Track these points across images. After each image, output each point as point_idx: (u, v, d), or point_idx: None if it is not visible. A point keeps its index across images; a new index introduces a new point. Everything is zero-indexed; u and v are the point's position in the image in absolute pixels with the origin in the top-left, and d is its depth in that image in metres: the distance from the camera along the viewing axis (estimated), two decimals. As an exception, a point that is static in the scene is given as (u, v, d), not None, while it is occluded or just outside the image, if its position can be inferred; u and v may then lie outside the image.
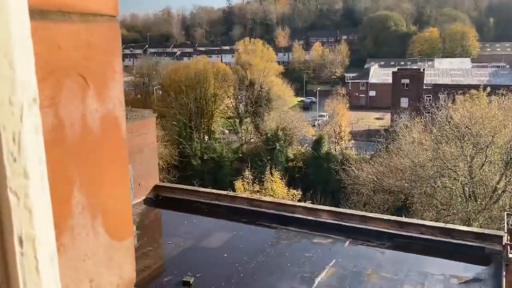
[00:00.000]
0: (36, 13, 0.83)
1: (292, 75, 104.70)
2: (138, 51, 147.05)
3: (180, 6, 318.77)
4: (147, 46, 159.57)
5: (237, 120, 63.94)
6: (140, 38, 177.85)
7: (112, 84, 1.05)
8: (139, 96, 70.82)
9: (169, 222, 22.02)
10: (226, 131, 65.95)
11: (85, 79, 0.96)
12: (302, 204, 23.73)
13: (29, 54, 0.75)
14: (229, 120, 65.77)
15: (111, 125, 1.05)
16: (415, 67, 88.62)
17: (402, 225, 18.80)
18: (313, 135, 55.66)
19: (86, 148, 0.97)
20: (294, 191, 38.51)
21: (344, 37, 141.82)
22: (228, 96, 65.60)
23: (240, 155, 53.10)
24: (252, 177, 38.77)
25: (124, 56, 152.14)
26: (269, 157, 46.97)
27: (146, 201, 22.84)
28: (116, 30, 1.05)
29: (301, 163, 50.89)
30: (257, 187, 37.71)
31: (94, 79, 0.99)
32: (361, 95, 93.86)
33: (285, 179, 40.15)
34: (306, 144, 54.10)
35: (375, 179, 35.85)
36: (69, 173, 0.93)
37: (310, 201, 33.36)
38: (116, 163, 1.08)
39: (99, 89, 1.01)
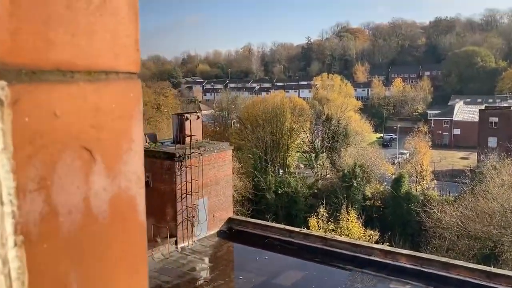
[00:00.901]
0: (24, 75, 0.68)
1: (371, 111, 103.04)
2: (219, 86, 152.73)
3: (260, 43, 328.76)
4: (227, 81, 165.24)
5: (313, 155, 63.36)
6: (222, 73, 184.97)
7: (128, 156, 0.84)
8: (217, 129, 72.84)
9: (241, 256, 21.89)
10: (302, 166, 65.53)
11: (90, 152, 0.77)
12: (379, 246, 22.68)
13: None
14: (304, 154, 65.40)
15: (125, 207, 0.85)
16: (506, 105, 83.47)
17: (490, 275, 17.20)
18: (392, 174, 53.94)
19: (88, 239, 0.78)
20: (371, 231, 37.10)
21: (427, 73, 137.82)
22: (304, 131, 65.50)
23: (315, 191, 52.27)
24: (327, 215, 37.92)
25: (206, 91, 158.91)
26: (345, 195, 45.79)
27: (220, 233, 22.94)
28: (137, 90, 0.85)
29: (379, 202, 49.18)
30: (332, 226, 36.74)
31: (103, 151, 0.80)
32: (444, 133, 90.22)
33: (361, 218, 38.86)
34: (385, 183, 52.41)
35: (460, 223, 33.64)
36: (63, 273, 0.73)
37: (387, 243, 32.00)
38: (131, 253, 0.86)
39: (109, 164, 0.81)
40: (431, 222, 35.98)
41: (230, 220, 23.64)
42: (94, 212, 0.78)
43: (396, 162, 64.12)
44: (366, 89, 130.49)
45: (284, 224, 26.47)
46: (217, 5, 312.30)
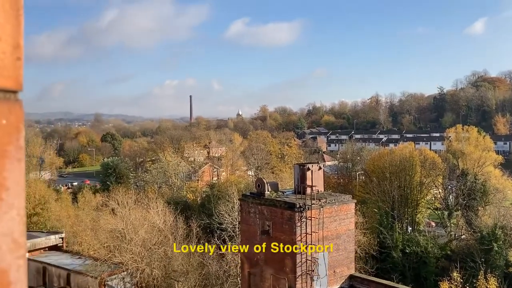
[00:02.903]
0: None
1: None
2: (344, 136, 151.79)
3: (388, 94, 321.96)
4: (353, 132, 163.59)
5: (446, 213, 58.95)
6: (347, 124, 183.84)
7: None
8: (341, 180, 71.39)
9: (362, 319, 20.33)
10: (433, 224, 62.05)
11: None
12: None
13: None
14: (436, 211, 61.24)
15: None
16: None
17: None
18: (542, 239, 47.46)
19: None
20: (516, 304, 32.53)
21: None
22: (436, 186, 61.64)
23: (448, 252, 48.47)
24: (461, 280, 34.49)
25: (330, 142, 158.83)
26: (483, 259, 41.65)
27: (340, 291, 21.70)
28: (14, 116, 0.55)
29: (527, 270, 43.39)
30: (467, 292, 33.05)
31: None
32: None
33: (504, 287, 34.29)
34: (533, 249, 46.28)
35: None
36: None
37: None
38: None
39: None
40: None
41: (351, 277, 22.35)
42: None
43: (547, 225, 56.67)
44: (508, 143, 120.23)
45: (412, 287, 24.32)
46: (344, 58, 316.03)
